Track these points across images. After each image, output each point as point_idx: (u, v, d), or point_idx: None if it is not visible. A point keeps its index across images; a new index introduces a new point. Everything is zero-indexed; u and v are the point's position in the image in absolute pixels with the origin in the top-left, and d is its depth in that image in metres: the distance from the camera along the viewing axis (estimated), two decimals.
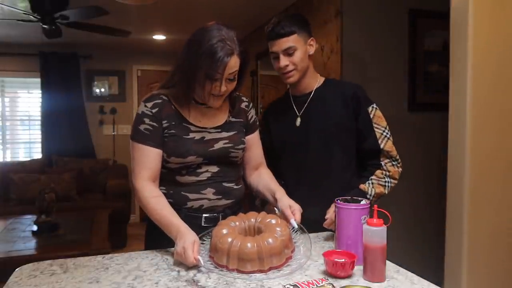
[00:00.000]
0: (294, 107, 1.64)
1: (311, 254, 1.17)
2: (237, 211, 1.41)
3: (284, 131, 1.64)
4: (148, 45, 5.14)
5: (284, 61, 1.53)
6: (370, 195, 1.50)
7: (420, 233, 2.88)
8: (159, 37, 4.80)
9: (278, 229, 1.13)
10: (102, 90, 5.56)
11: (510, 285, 1.88)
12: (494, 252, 1.86)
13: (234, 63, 1.23)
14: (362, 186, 1.51)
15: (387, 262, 1.08)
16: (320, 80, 1.64)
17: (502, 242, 1.87)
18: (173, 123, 1.32)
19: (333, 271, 1.05)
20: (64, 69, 5.21)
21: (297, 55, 1.53)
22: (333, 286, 0.98)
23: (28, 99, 5.41)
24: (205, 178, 1.34)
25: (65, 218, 3.51)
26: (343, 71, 2.74)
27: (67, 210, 3.94)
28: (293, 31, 1.51)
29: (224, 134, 1.37)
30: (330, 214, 1.33)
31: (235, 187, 1.40)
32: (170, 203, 1.29)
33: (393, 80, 2.84)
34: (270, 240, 1.08)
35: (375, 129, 1.54)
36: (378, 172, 1.54)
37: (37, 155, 5.33)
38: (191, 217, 1.29)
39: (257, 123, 1.52)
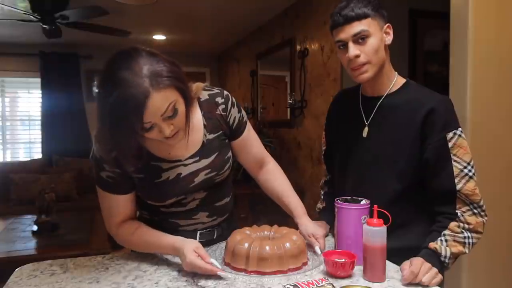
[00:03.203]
0: (362, 112, 1.29)
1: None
2: (230, 217, 1.33)
3: (349, 138, 1.32)
4: (148, 45, 5.12)
5: (354, 50, 1.16)
6: (445, 256, 1.12)
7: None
8: (159, 37, 4.81)
9: (294, 236, 1.13)
10: None
11: (510, 285, 1.88)
12: (494, 252, 1.85)
13: (158, 102, 0.94)
14: (432, 245, 1.13)
15: (387, 262, 1.07)
16: (398, 82, 1.29)
17: (502, 242, 1.87)
18: (139, 165, 1.10)
19: (333, 271, 1.05)
20: (64, 69, 5.22)
21: (371, 43, 1.17)
22: (333, 286, 0.98)
23: (28, 99, 5.42)
24: (194, 206, 1.20)
25: (65, 218, 3.50)
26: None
27: (67, 210, 3.93)
28: (366, 14, 1.16)
29: (204, 162, 1.16)
30: (406, 270, 1.01)
31: (228, 199, 1.28)
32: (158, 229, 1.15)
33: None
34: (287, 244, 1.09)
35: (453, 163, 1.14)
36: (452, 224, 1.15)
37: (37, 155, 5.34)
38: (184, 235, 1.16)
39: (244, 120, 1.27)
